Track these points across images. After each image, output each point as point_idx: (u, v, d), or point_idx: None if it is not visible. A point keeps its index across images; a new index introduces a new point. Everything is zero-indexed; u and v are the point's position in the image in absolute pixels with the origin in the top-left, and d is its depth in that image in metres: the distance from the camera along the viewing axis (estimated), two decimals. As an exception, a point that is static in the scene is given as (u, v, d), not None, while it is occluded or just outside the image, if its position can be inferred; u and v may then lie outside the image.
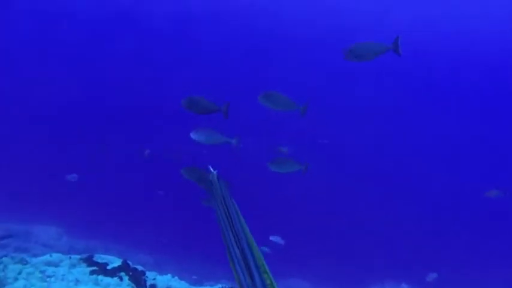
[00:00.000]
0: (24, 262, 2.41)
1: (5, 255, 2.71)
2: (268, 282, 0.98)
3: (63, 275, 2.54)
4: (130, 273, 3.14)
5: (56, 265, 3.00)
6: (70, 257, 3.43)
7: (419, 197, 11.67)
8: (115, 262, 3.40)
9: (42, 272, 2.41)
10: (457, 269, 7.63)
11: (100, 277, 2.68)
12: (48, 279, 2.41)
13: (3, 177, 9.18)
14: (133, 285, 2.98)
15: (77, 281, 2.50)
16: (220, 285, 3.55)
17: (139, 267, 3.68)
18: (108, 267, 3.04)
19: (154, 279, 3.32)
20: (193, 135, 2.85)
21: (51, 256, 3.44)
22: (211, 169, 1.00)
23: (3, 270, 2.28)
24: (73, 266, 3.23)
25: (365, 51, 2.58)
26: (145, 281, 3.18)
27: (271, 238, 6.01)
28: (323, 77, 12.59)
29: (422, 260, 7.81)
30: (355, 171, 12.39)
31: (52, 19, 13.78)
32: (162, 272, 4.38)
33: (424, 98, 14.28)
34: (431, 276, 6.30)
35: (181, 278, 4.05)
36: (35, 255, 6.85)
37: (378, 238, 9.37)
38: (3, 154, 10.36)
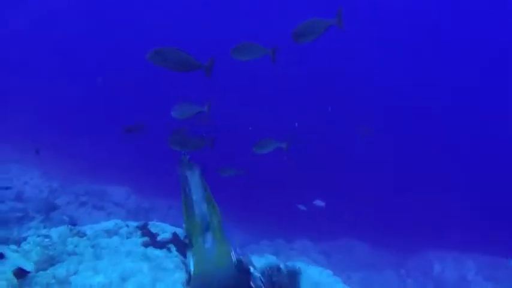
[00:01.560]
0: (81, 235, 2.66)
1: (65, 224, 3.00)
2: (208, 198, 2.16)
3: (116, 247, 2.75)
4: (180, 245, 3.31)
5: (113, 234, 3.25)
6: (127, 225, 3.71)
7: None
8: (167, 231, 3.59)
9: (94, 246, 2.62)
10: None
11: (149, 249, 2.85)
12: (102, 251, 2.62)
13: (83, 148, 10.38)
14: (181, 256, 3.14)
15: (128, 253, 2.69)
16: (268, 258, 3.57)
17: (190, 236, 3.85)
18: (159, 238, 3.22)
19: (202, 248, 3.46)
20: (172, 113, 2.97)
21: (115, 224, 3.74)
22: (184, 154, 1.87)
23: (63, 243, 2.52)
24: (130, 234, 3.48)
25: (306, 31, 2.32)
26: (193, 251, 3.33)
27: (314, 202, 6.05)
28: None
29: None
30: (418, 133, 11.49)
31: None
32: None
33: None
34: None
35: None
36: (109, 214, 7.62)
37: (444, 207, 8.79)
38: (87, 131, 11.66)
